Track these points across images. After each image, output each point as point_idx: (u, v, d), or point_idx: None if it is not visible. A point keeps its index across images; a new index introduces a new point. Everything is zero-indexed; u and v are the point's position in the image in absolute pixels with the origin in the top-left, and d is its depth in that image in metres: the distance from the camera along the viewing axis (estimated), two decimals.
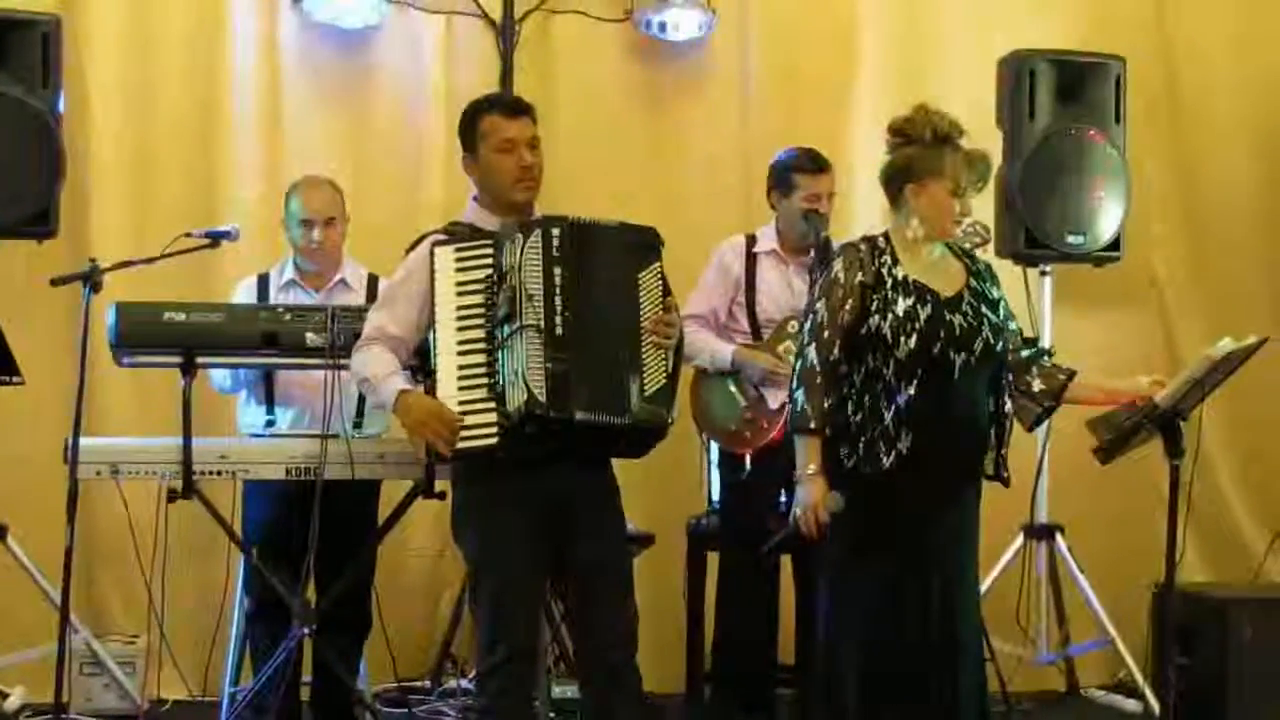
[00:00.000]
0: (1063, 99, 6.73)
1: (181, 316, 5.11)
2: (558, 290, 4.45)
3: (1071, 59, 6.79)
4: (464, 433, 4.43)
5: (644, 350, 4.54)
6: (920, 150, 4.66)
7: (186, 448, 5.08)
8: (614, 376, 4.48)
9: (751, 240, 6.20)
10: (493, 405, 4.42)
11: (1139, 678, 6.61)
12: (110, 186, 6.64)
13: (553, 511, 4.53)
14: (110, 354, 5.22)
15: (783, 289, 6.11)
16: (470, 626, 6.62)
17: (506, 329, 4.42)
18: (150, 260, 5.40)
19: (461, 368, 4.46)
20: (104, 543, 6.40)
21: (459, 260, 4.51)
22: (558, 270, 4.46)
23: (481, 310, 4.47)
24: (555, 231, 4.49)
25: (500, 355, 4.43)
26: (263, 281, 5.79)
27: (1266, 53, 7.43)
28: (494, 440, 4.42)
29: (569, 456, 4.52)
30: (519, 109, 4.75)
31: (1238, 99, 7.45)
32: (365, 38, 6.88)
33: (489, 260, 4.49)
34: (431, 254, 4.54)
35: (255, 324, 5.17)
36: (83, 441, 5.08)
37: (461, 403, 4.44)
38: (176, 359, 5.13)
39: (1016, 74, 6.68)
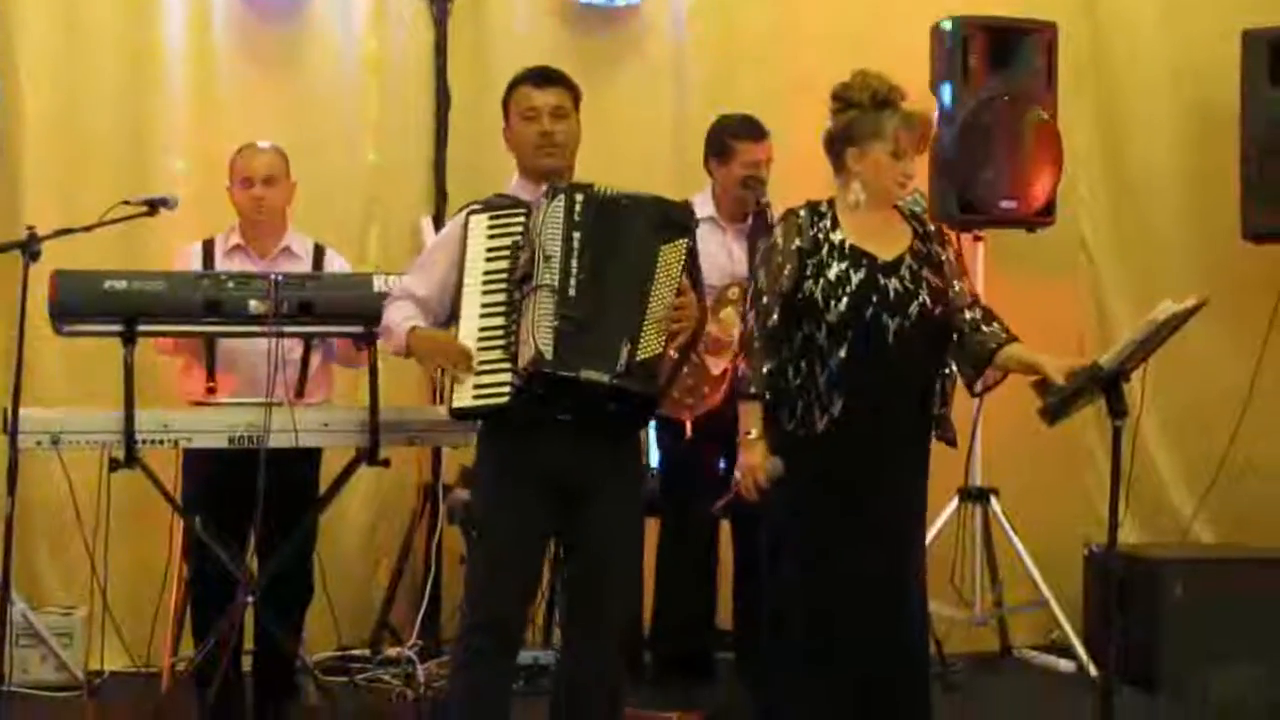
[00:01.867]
0: (995, 65, 6.79)
1: (122, 285, 5.05)
2: (575, 253, 4.47)
3: (1004, 25, 6.84)
4: (477, 391, 4.47)
5: (645, 320, 4.52)
6: (860, 114, 4.67)
7: (129, 417, 5.01)
8: (614, 337, 4.48)
9: None
10: (507, 366, 4.46)
11: (1073, 638, 6.71)
12: (42, 159, 6.58)
13: (559, 488, 4.54)
14: (49, 323, 5.16)
15: (722, 256, 6.12)
16: (409, 594, 6.66)
17: (523, 290, 4.47)
18: (89, 228, 5.33)
19: (483, 329, 4.50)
20: (38, 514, 6.34)
21: (491, 226, 4.57)
22: (577, 235, 4.48)
23: (506, 275, 4.52)
24: (579, 197, 4.52)
25: (517, 316, 4.47)
26: (207, 247, 5.74)
27: (1192, 19, 7.49)
28: (505, 399, 4.45)
29: (580, 426, 4.51)
30: (548, 79, 4.81)
31: (1163, 66, 7.53)
32: (298, 6, 6.86)
33: (520, 227, 4.54)
34: (466, 221, 4.61)
35: (197, 291, 5.11)
36: (23, 411, 5.01)
37: (480, 362, 4.48)
38: (117, 327, 5.07)
39: (950, 39, 6.72)
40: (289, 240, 5.77)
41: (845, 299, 4.58)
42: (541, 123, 4.72)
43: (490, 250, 4.56)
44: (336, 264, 5.82)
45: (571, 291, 4.46)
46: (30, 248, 5.11)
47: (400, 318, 4.66)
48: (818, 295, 4.59)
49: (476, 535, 4.78)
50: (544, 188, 4.60)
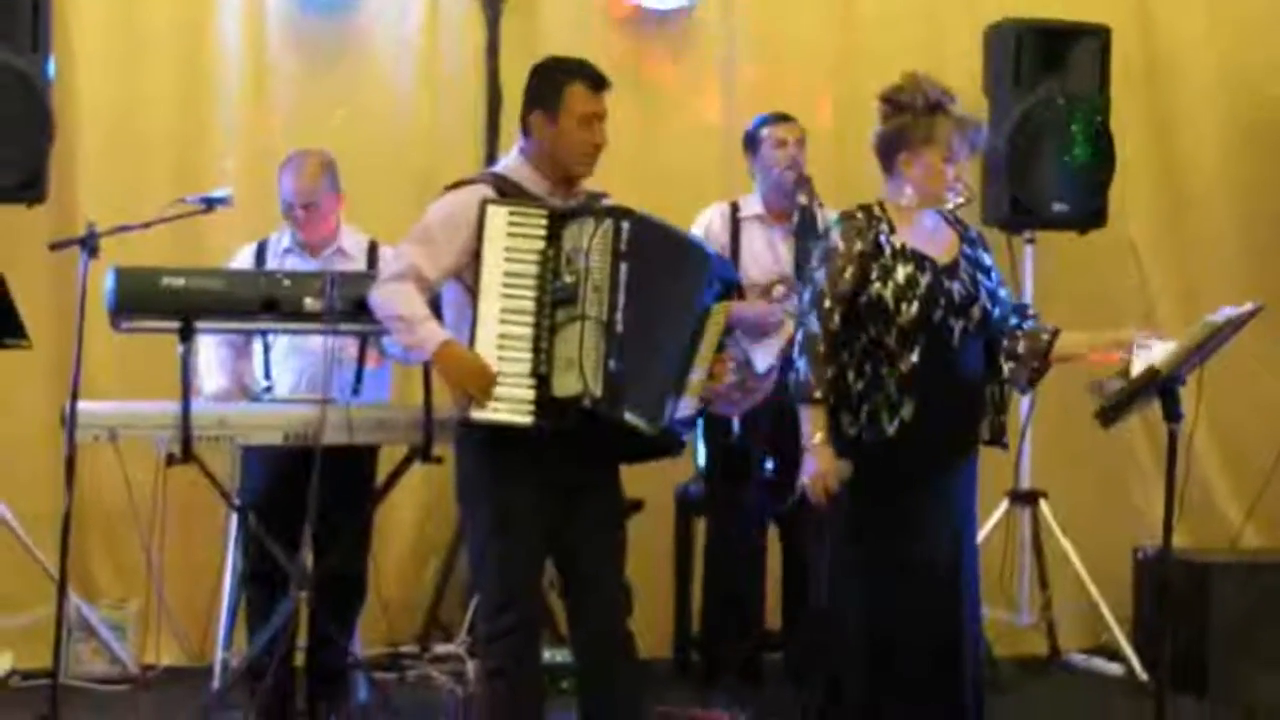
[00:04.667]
0: (1047, 67, 6.78)
1: (180, 282, 5.08)
2: (622, 286, 4.41)
3: (1057, 28, 6.84)
4: (495, 404, 4.40)
5: (691, 377, 4.55)
6: (912, 118, 4.67)
7: (185, 412, 5.05)
8: (660, 389, 4.48)
9: (735, 206, 6.26)
10: (533, 383, 4.39)
11: (1122, 642, 6.69)
12: (96, 153, 6.62)
13: (556, 490, 4.54)
14: (107, 319, 5.19)
15: (768, 253, 6.15)
16: (458, 591, 6.68)
17: (562, 313, 4.40)
18: (147, 225, 5.39)
19: (502, 337, 4.42)
20: (93, 507, 6.38)
21: (512, 223, 4.46)
22: (624, 265, 4.42)
23: (531, 282, 4.43)
24: (625, 225, 4.45)
25: (551, 337, 4.40)
26: (261, 248, 5.77)
27: (1242, 22, 7.49)
28: (528, 420, 4.40)
29: (586, 444, 4.52)
30: (603, 84, 4.69)
31: (1213, 68, 7.52)
32: (351, 5, 6.89)
33: (542, 231, 4.45)
34: (483, 210, 4.48)
35: (255, 289, 5.14)
36: (80, 406, 5.06)
37: (498, 373, 4.40)
38: (174, 324, 5.10)
39: (1002, 42, 6.73)
40: (342, 239, 5.77)
41: (916, 302, 4.57)
42: (594, 132, 4.63)
43: (510, 250, 4.45)
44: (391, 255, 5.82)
45: (619, 327, 4.40)
46: (89, 244, 5.16)
47: (421, 314, 4.52)
48: (888, 298, 4.56)
49: (485, 540, 4.63)
50: (572, 200, 4.57)
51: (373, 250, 5.75)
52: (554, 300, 4.42)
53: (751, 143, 6.25)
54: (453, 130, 6.98)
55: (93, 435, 5.09)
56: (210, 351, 5.64)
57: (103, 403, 5.38)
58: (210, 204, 5.50)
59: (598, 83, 4.68)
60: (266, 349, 5.63)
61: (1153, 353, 4.47)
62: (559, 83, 4.67)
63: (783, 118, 6.23)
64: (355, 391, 5.56)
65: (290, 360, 5.63)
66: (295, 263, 5.67)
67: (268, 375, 5.64)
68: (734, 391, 5.93)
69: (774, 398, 5.75)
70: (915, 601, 4.59)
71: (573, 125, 4.62)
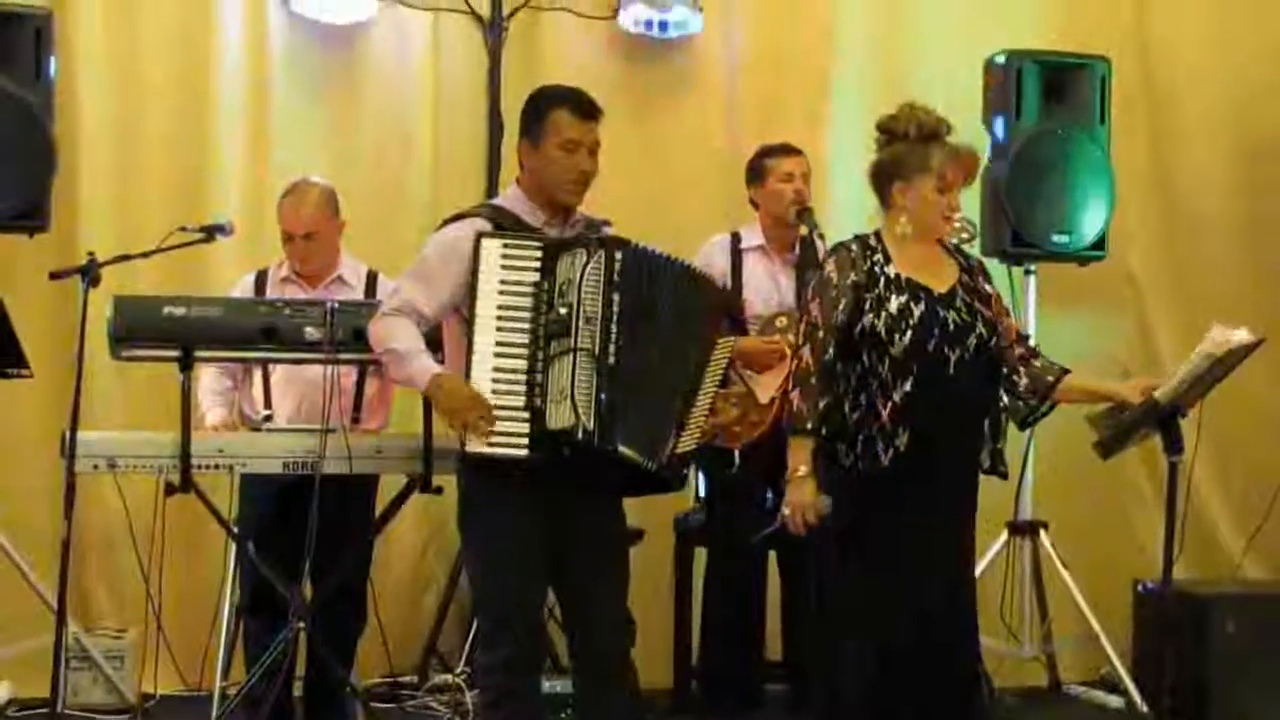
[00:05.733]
0: (1048, 98, 6.78)
1: (181, 310, 5.07)
2: (615, 317, 4.40)
3: (1057, 59, 6.85)
4: (492, 438, 4.38)
5: (694, 413, 4.55)
6: (907, 147, 4.68)
7: (185, 441, 5.05)
8: (660, 424, 4.48)
9: (736, 238, 6.25)
10: (527, 417, 4.38)
11: (1123, 674, 6.67)
12: (97, 181, 6.62)
13: (556, 522, 4.53)
14: (107, 348, 5.18)
15: (769, 285, 6.16)
16: (457, 621, 6.67)
17: (556, 345, 4.39)
18: (148, 254, 5.40)
19: (497, 370, 4.40)
20: (92, 536, 6.38)
21: (505, 256, 4.43)
22: (617, 296, 4.41)
23: (525, 315, 4.41)
24: (618, 256, 4.44)
25: (545, 370, 4.39)
26: (260, 278, 5.78)
27: (1240, 52, 7.51)
28: (523, 453, 4.39)
29: (586, 476, 4.51)
30: (591, 112, 4.65)
31: (1212, 98, 7.53)
32: (353, 33, 6.89)
33: (536, 263, 4.43)
34: (477, 243, 4.46)
35: (254, 318, 5.14)
36: (80, 435, 5.06)
37: (495, 406, 4.39)
38: (175, 353, 5.10)
39: (1004, 74, 6.73)
40: (342, 268, 5.78)
41: (909, 331, 4.57)
42: (581, 159, 4.60)
43: (505, 283, 4.42)
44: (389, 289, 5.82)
45: (612, 359, 4.40)
46: (90, 273, 5.16)
47: (414, 347, 4.52)
48: (880, 328, 4.57)
49: (483, 572, 4.65)
50: (552, 221, 4.58)
51: (372, 280, 5.76)
52: (548, 333, 4.40)
53: (756, 173, 6.23)
54: (455, 158, 6.99)
55: (92, 465, 5.08)
56: (208, 381, 5.65)
57: (102, 432, 5.37)
58: (211, 233, 5.50)
59: (585, 110, 4.66)
60: (266, 377, 5.62)
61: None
62: (543, 109, 4.67)
63: (788, 150, 6.21)
64: (355, 420, 5.56)
65: (290, 388, 5.63)
66: (294, 292, 5.68)
67: (268, 404, 5.63)
68: (736, 424, 5.94)
69: (773, 429, 5.73)
70: (913, 633, 4.58)
71: (556, 151, 4.60)
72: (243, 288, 5.77)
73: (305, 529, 5.04)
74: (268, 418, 5.61)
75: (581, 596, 4.67)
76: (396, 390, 5.73)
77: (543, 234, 4.57)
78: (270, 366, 5.61)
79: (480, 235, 4.49)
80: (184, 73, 6.75)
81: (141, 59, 6.70)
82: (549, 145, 4.60)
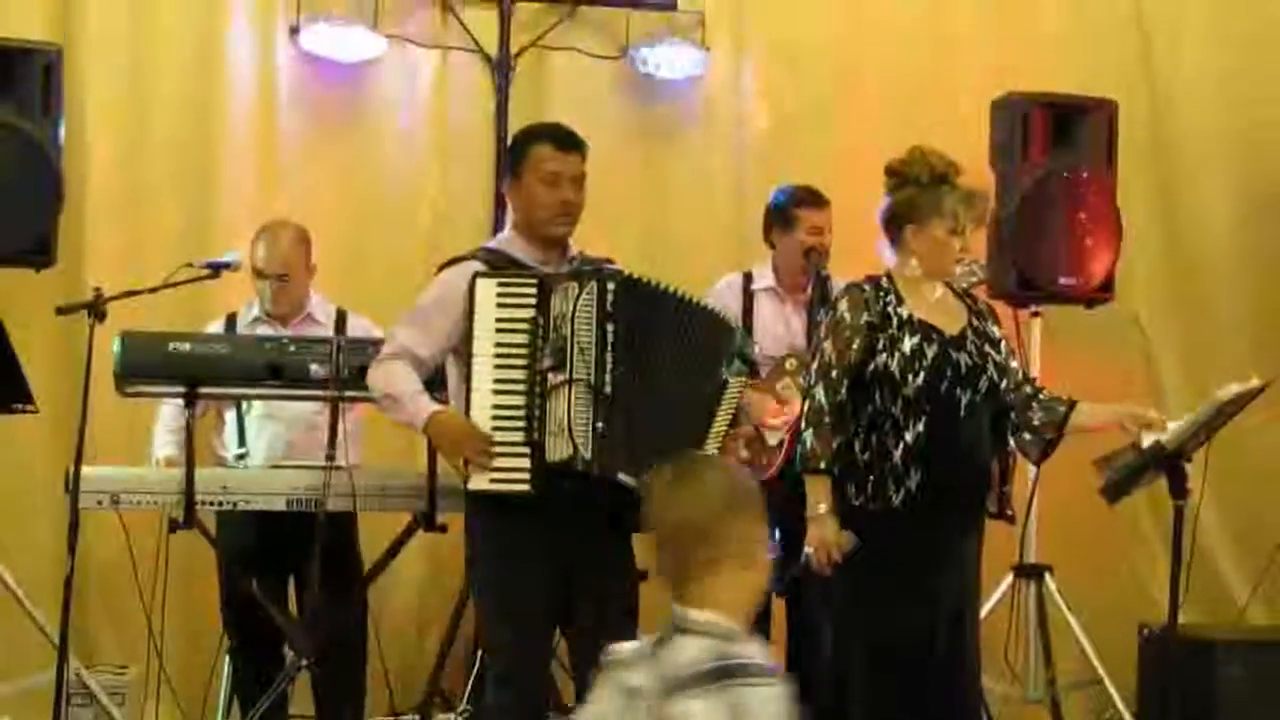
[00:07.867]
0: (1055, 141, 6.78)
1: (186, 347, 5.11)
2: (609, 346, 4.42)
3: (1064, 101, 6.85)
4: (495, 474, 4.40)
5: (705, 447, 4.53)
6: (918, 190, 4.70)
7: (189, 478, 5.07)
8: (664, 450, 4.43)
9: (748, 278, 6.24)
10: (528, 451, 4.39)
11: (1127, 717, 6.63)
12: (104, 217, 6.62)
13: (565, 567, 4.52)
14: (113, 383, 5.19)
15: (780, 327, 6.15)
16: (459, 660, 6.64)
17: (552, 378, 4.40)
18: (154, 290, 5.39)
19: (497, 407, 4.41)
20: (93, 572, 6.36)
21: (501, 295, 4.46)
22: (610, 326, 4.43)
23: (523, 351, 4.42)
24: (610, 286, 4.45)
25: (543, 404, 4.40)
26: (230, 321, 5.80)
27: (1248, 95, 7.52)
28: (526, 487, 4.40)
29: (592, 513, 4.50)
30: (571, 144, 4.70)
31: (1220, 141, 7.54)
32: (361, 72, 6.91)
33: (532, 299, 4.44)
34: (473, 284, 4.48)
35: (260, 355, 5.16)
36: (84, 470, 5.06)
37: (496, 443, 4.40)
38: (180, 389, 5.12)
39: (1009, 115, 6.73)
40: (311, 307, 5.80)
41: (922, 373, 4.58)
42: (564, 191, 4.63)
43: (501, 321, 4.45)
44: (359, 328, 5.79)
45: (608, 388, 4.41)
46: (96, 309, 5.16)
47: (411, 389, 4.56)
48: (894, 369, 4.58)
49: (491, 616, 4.67)
50: (547, 254, 4.60)
51: (341, 318, 5.80)
52: (544, 366, 4.42)
53: (785, 220, 6.16)
54: (462, 195, 6.99)
55: (96, 500, 5.08)
56: (168, 418, 5.64)
57: (106, 467, 5.37)
58: (218, 269, 5.49)
59: (564, 142, 4.70)
60: (240, 417, 5.61)
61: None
62: (523, 146, 4.74)
63: (819, 201, 6.15)
64: (329, 457, 5.50)
65: (265, 426, 5.63)
66: (265, 332, 5.66)
67: (242, 443, 5.61)
68: (745, 467, 5.93)
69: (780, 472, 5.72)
70: (915, 672, 4.57)
71: (538, 185, 4.64)
72: (213, 331, 5.76)
73: (287, 566, 5.03)
74: (240, 456, 5.59)
75: (589, 642, 4.64)
76: (394, 427, 5.72)
77: (537, 270, 4.59)
78: (245, 405, 5.61)
79: (477, 275, 4.51)
80: (192, 108, 6.75)
81: (149, 95, 6.71)
82: (531, 179, 4.65)
